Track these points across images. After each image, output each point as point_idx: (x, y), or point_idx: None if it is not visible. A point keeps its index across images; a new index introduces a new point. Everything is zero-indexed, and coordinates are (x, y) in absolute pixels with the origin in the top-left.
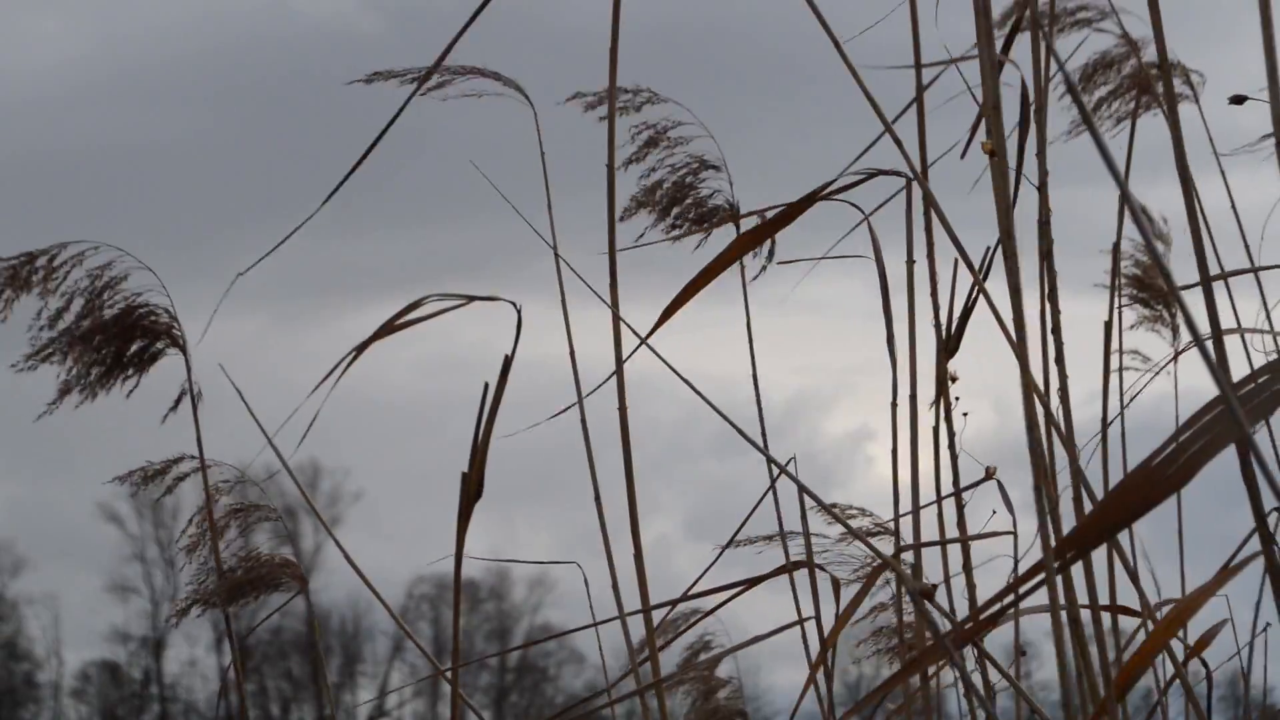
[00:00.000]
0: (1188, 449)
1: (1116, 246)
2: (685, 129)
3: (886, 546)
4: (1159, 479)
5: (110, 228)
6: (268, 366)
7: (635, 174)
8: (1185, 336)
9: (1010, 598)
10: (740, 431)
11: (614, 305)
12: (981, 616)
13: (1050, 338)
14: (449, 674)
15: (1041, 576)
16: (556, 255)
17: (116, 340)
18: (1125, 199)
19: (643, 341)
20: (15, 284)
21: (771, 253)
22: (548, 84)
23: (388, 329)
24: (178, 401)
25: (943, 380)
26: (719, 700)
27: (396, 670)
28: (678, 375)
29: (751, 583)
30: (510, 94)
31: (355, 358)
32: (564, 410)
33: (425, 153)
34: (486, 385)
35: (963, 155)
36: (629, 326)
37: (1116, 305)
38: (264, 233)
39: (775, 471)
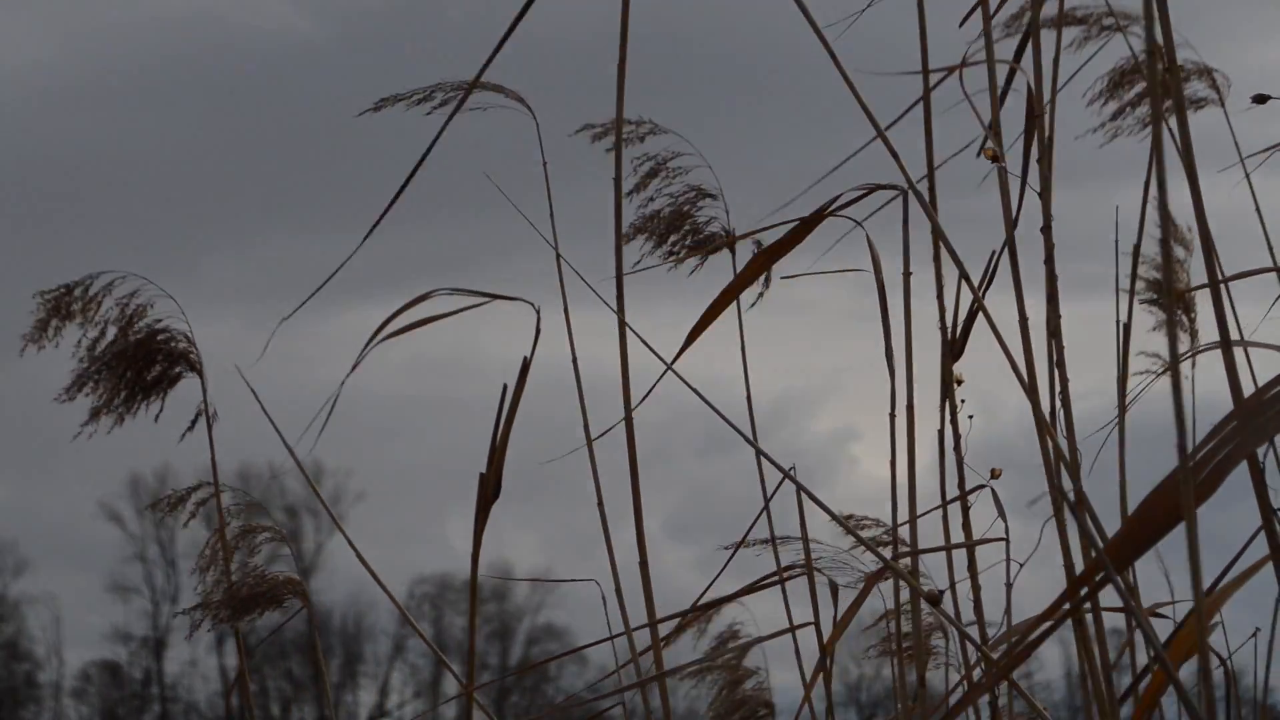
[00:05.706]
0: (1210, 461)
1: (1137, 249)
2: (685, 159)
3: (885, 552)
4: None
5: (66, 232)
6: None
7: (635, 201)
8: (1201, 339)
9: (1045, 625)
10: (755, 446)
11: (620, 313)
12: (1017, 650)
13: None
14: (469, 685)
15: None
16: (559, 257)
17: (139, 365)
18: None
19: (669, 367)
20: (59, 314)
21: (768, 279)
22: (552, 94)
23: (413, 325)
24: (194, 421)
25: (948, 383)
26: (745, 690)
27: (397, 670)
28: (706, 402)
29: (751, 589)
30: (514, 106)
31: (368, 348)
32: (610, 429)
33: (402, 155)
34: (505, 387)
35: (978, 154)
36: (648, 345)
37: (1133, 306)
38: (218, 237)
39: (777, 476)
